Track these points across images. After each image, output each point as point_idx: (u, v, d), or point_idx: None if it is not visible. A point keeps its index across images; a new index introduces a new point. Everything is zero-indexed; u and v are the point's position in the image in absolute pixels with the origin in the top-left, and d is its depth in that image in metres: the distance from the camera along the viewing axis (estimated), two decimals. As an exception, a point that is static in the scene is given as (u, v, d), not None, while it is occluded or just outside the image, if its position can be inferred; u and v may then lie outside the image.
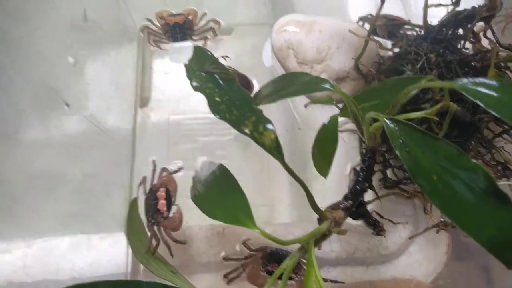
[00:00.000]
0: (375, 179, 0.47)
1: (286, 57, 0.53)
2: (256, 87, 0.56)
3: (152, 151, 0.54)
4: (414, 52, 0.49)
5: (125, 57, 0.55)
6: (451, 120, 0.46)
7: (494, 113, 0.28)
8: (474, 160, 0.27)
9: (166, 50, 0.57)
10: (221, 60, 0.38)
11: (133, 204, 0.45)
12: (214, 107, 0.34)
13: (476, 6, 0.47)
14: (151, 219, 0.42)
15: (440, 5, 0.53)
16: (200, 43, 0.56)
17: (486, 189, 0.26)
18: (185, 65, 0.37)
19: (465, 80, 0.31)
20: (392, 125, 0.30)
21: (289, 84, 0.40)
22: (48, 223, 0.46)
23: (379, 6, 0.49)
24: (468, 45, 0.53)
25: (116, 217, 0.45)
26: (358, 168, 0.41)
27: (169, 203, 0.42)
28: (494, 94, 0.29)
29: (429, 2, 0.55)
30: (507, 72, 0.50)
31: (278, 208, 0.55)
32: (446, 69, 0.49)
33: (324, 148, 0.41)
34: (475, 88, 0.30)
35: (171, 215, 0.42)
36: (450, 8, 0.51)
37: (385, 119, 0.31)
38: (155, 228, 0.41)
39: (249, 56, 0.59)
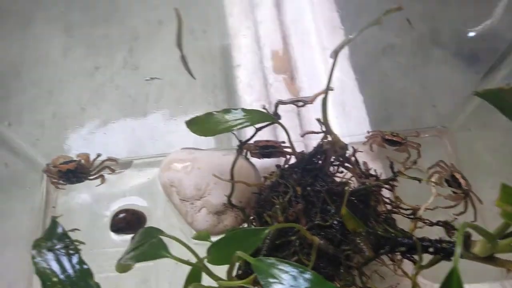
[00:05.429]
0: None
1: (170, 194, 0.56)
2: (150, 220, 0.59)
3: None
4: (284, 184, 0.52)
5: (26, 203, 0.58)
6: (318, 252, 0.48)
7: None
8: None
9: (64, 189, 0.60)
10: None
11: None
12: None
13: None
14: None
15: (313, 132, 0.57)
16: (98, 181, 0.60)
17: None
18: (34, 242, 0.40)
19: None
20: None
21: (142, 243, 0.43)
22: None
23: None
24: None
25: None
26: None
27: None
28: None
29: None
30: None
31: None
32: (316, 198, 0.52)
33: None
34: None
35: None
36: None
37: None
38: None
39: (148, 186, 0.62)
